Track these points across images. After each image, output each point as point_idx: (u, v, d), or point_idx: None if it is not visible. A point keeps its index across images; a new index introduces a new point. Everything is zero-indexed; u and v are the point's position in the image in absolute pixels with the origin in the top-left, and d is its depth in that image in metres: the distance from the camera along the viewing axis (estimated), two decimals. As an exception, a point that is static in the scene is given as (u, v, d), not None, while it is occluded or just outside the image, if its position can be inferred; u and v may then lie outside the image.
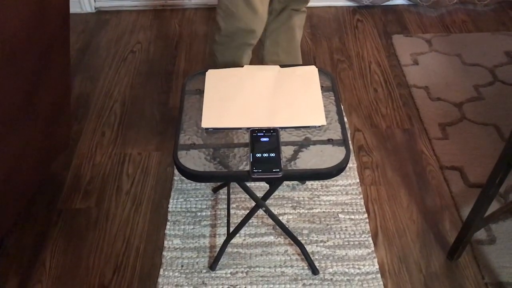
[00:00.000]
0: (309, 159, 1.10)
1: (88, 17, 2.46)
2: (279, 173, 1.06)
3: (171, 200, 1.61)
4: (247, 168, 1.08)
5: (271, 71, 1.30)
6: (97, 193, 1.65)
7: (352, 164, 1.70)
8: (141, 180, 1.69)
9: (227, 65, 1.43)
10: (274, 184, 1.24)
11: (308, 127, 1.17)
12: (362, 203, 1.58)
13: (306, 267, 1.41)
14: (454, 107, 1.92)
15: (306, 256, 1.40)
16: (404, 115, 1.91)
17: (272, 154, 1.09)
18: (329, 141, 1.15)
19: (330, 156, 1.11)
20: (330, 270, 1.40)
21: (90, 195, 1.64)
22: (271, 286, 1.37)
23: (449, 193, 1.62)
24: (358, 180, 1.65)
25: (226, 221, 1.52)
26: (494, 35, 2.28)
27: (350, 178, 1.66)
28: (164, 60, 2.20)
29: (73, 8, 2.44)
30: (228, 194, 1.55)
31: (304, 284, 1.37)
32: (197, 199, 1.60)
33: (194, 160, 1.10)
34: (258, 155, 1.09)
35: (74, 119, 1.91)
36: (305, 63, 2.17)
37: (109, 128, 1.88)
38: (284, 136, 1.16)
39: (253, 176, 1.06)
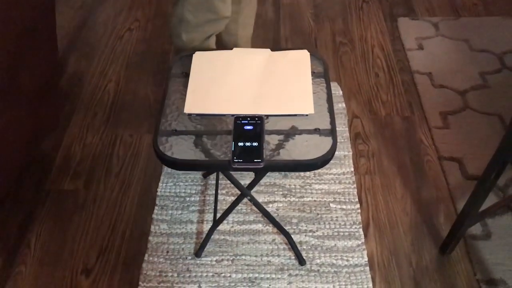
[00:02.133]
0: (293, 150, 1.06)
1: (86, -7, 2.41)
2: (261, 164, 1.02)
3: (160, 184, 1.58)
4: (229, 157, 1.04)
5: (261, 55, 1.25)
6: (86, 174, 1.62)
7: (348, 152, 1.66)
8: (131, 162, 1.66)
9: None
10: (259, 174, 1.20)
11: (295, 115, 1.12)
12: (355, 192, 1.54)
13: (293, 257, 1.38)
14: (457, 95, 1.85)
15: (293, 246, 1.37)
16: (405, 102, 1.85)
17: (255, 144, 1.04)
18: (316, 131, 1.10)
19: (315, 146, 1.07)
20: (318, 261, 1.37)
21: (79, 177, 1.61)
22: (257, 275, 1.35)
23: (446, 185, 1.57)
24: (352, 169, 1.61)
25: (214, 207, 1.49)
26: (506, 20, 2.19)
27: (344, 166, 1.61)
28: (161, 39, 2.15)
29: (71, -16, 2.39)
30: (217, 180, 1.51)
31: (290, 275, 1.34)
32: (186, 183, 1.57)
33: (174, 147, 1.06)
34: (241, 144, 1.04)
35: (67, 98, 1.88)
36: (306, 44, 2.11)
37: (101, 108, 1.85)
38: (269, 124, 1.11)
39: (234, 166, 1.02)
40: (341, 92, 1.87)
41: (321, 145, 1.07)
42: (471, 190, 1.53)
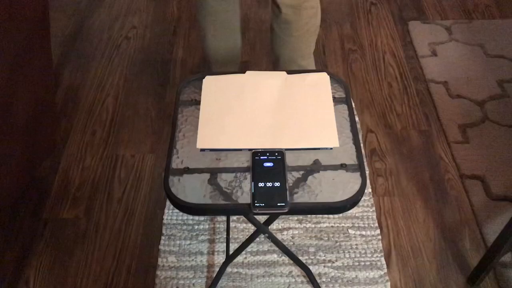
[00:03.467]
0: (319, 189, 0.96)
1: (80, -2, 2.28)
2: (285, 208, 0.92)
3: (166, 211, 1.48)
4: (248, 199, 0.94)
5: (277, 79, 1.14)
6: (87, 201, 1.52)
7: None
8: (134, 186, 1.56)
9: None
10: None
11: (319, 148, 1.03)
12: (374, 216, 1.45)
13: (313, 292, 1.29)
14: (475, 106, 1.76)
15: (312, 280, 1.28)
16: (421, 114, 1.75)
17: (277, 184, 0.95)
18: (342, 167, 1.00)
19: (343, 185, 0.97)
20: (339, 295, 1.29)
21: (79, 204, 1.51)
22: (274, 312, 1.26)
23: (470, 206, 1.48)
24: (370, 190, 1.52)
25: (225, 236, 1.40)
26: (520, 22, 2.10)
27: (361, 187, 1.52)
28: (161, 48, 2.04)
29: (63, -12, 2.26)
30: (228, 207, 1.42)
31: (310, 311, 1.26)
32: (194, 210, 1.47)
33: (187, 189, 0.96)
34: (261, 184, 0.95)
35: (63, 116, 1.77)
36: (314, 53, 2.00)
37: (100, 126, 1.74)
38: (290, 159, 1.01)
39: (255, 211, 0.92)
40: (353, 104, 1.77)
41: (349, 184, 0.97)
42: (497, 211, 1.45)
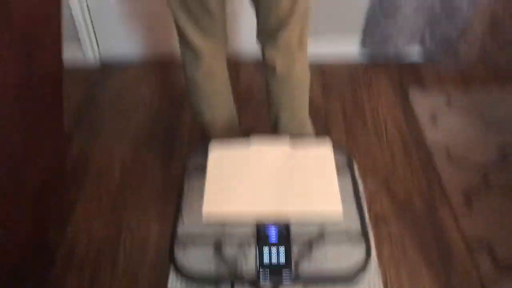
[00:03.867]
0: (323, 260, 0.97)
1: (92, 70, 2.38)
2: (291, 282, 0.92)
3: (169, 281, 1.46)
4: (253, 271, 0.94)
5: (281, 149, 1.17)
6: (91, 270, 1.51)
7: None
8: (140, 255, 1.55)
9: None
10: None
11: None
12: (381, 284, 1.42)
13: None
14: (478, 172, 1.78)
15: None
16: (424, 180, 1.77)
17: (282, 260, 0.95)
18: (347, 235, 1.01)
19: (348, 254, 0.98)
20: None
21: (84, 274, 1.50)
22: None
23: (477, 273, 1.46)
24: (376, 260, 1.50)
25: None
26: (517, 91, 2.16)
27: (367, 255, 1.51)
28: (169, 116, 2.10)
29: (76, 61, 2.37)
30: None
31: None
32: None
33: (192, 259, 0.97)
34: (266, 260, 0.95)
35: (72, 182, 1.80)
36: (317, 121, 2.06)
37: (107, 193, 1.76)
38: (294, 228, 1.02)
39: (260, 286, 0.92)
40: (356, 172, 1.80)
41: (354, 253, 0.98)
42: (505, 280, 1.43)
